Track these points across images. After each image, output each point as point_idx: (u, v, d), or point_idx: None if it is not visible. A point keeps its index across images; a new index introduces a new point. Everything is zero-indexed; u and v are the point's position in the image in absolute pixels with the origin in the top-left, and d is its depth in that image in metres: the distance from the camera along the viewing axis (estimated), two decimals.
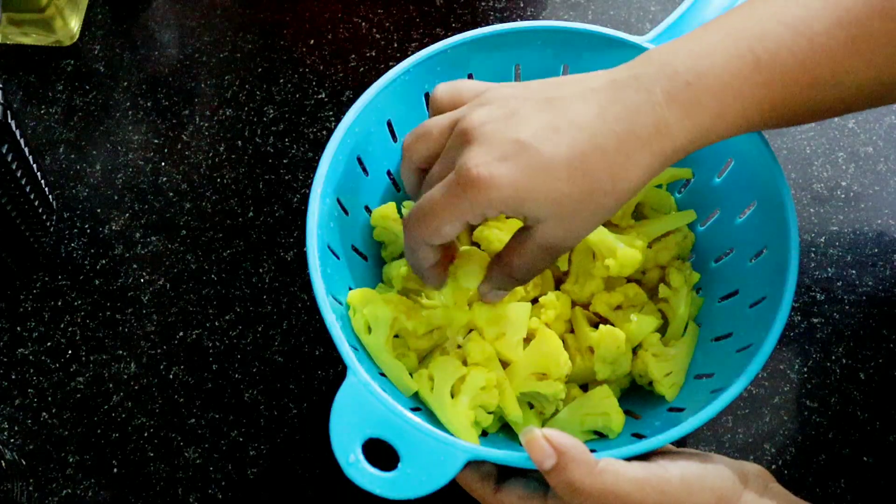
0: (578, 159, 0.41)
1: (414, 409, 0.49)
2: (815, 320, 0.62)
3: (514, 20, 0.74)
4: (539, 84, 0.45)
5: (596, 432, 0.52)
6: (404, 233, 0.47)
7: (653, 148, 0.42)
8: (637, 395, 0.54)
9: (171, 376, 0.61)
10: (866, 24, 0.42)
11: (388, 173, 0.59)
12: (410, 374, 0.52)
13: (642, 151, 0.42)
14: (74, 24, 0.73)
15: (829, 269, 0.63)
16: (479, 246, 0.56)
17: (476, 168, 0.42)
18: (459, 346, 0.53)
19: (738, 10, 0.45)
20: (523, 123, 0.42)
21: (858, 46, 0.43)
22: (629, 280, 0.56)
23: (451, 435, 0.45)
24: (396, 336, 0.53)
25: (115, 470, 0.58)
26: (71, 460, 0.58)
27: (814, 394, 0.59)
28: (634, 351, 0.54)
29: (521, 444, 0.51)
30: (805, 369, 0.60)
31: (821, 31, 0.43)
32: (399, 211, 0.57)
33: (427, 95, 0.57)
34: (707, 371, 0.51)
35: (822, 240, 0.65)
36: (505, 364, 0.52)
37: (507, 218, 0.54)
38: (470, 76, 0.58)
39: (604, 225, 0.54)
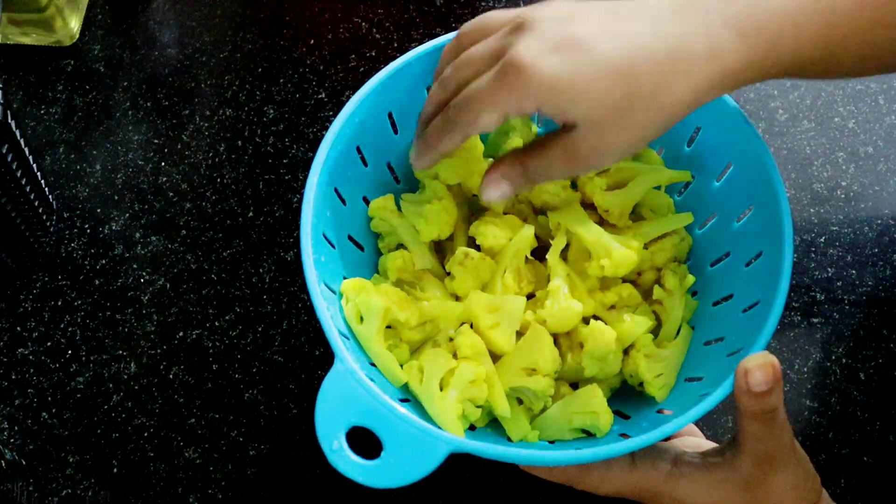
0: (626, 64, 0.41)
1: (403, 401, 0.49)
2: (815, 320, 0.62)
3: None
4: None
5: (584, 431, 0.52)
6: (441, 115, 0.46)
7: (702, 67, 0.42)
8: (628, 396, 0.55)
9: (171, 376, 0.61)
10: None
11: (388, 165, 0.59)
12: (401, 365, 0.52)
13: (691, 69, 0.42)
14: (74, 24, 0.73)
15: (829, 269, 0.63)
16: (476, 246, 0.56)
17: (523, 56, 0.42)
18: (451, 339, 0.53)
19: None
20: (580, 22, 0.43)
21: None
22: (624, 280, 0.56)
23: (438, 427, 0.45)
24: (389, 327, 0.53)
25: (115, 470, 0.58)
26: (71, 460, 0.58)
27: (814, 394, 0.59)
28: (627, 351, 0.54)
29: (507, 439, 0.52)
30: (805, 369, 0.60)
31: None
32: (397, 203, 0.57)
33: (429, 89, 0.58)
34: (697, 374, 0.52)
35: (822, 240, 0.65)
36: (495, 358, 0.53)
37: (544, 117, 0.52)
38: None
39: (601, 225, 0.54)
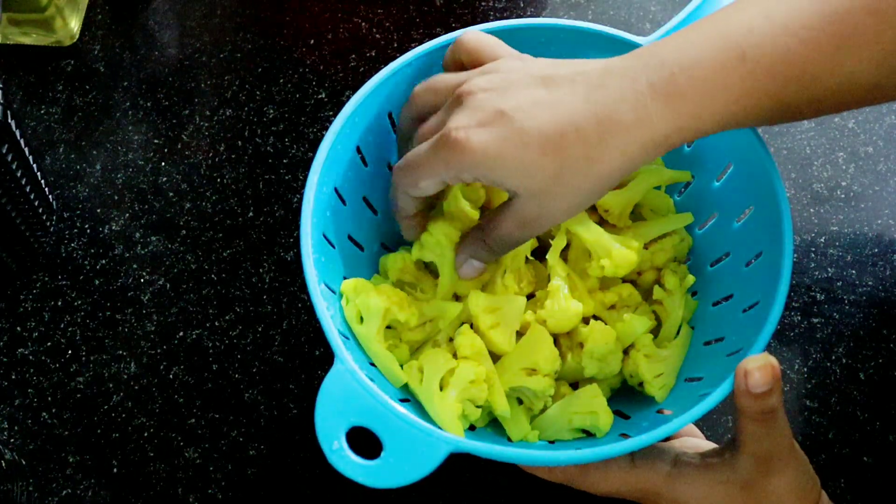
0: (555, 135, 0.43)
1: (403, 401, 0.49)
2: (815, 320, 0.62)
3: None
4: (545, 62, 0.47)
5: (584, 431, 0.52)
6: (392, 179, 0.50)
7: (632, 135, 0.43)
8: (628, 396, 0.55)
9: (171, 376, 0.61)
10: (853, 19, 0.42)
11: (388, 165, 0.59)
12: (401, 366, 0.52)
13: (620, 137, 0.43)
14: (74, 24, 0.73)
15: (829, 269, 0.63)
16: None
17: (456, 131, 0.44)
18: (451, 339, 0.53)
19: (728, 8, 0.45)
20: (511, 96, 0.44)
21: (846, 42, 0.43)
22: (624, 280, 0.56)
23: (438, 427, 0.45)
24: (389, 327, 0.53)
25: (115, 470, 0.58)
26: (71, 460, 0.58)
27: (814, 394, 0.59)
28: (627, 351, 0.54)
29: (507, 440, 0.52)
30: (805, 369, 0.60)
31: (808, 26, 0.43)
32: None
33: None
34: (697, 374, 0.52)
35: (822, 240, 0.65)
36: (495, 358, 0.53)
37: (483, 184, 0.54)
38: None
39: (601, 225, 0.54)
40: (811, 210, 0.66)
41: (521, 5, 0.75)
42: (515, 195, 0.45)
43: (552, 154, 0.43)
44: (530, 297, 0.55)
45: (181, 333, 0.62)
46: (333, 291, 0.52)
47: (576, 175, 0.43)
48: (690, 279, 0.55)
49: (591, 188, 0.44)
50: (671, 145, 0.44)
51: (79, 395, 0.60)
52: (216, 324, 0.62)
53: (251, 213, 0.66)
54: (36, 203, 0.62)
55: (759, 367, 0.43)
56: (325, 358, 0.61)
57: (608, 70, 0.44)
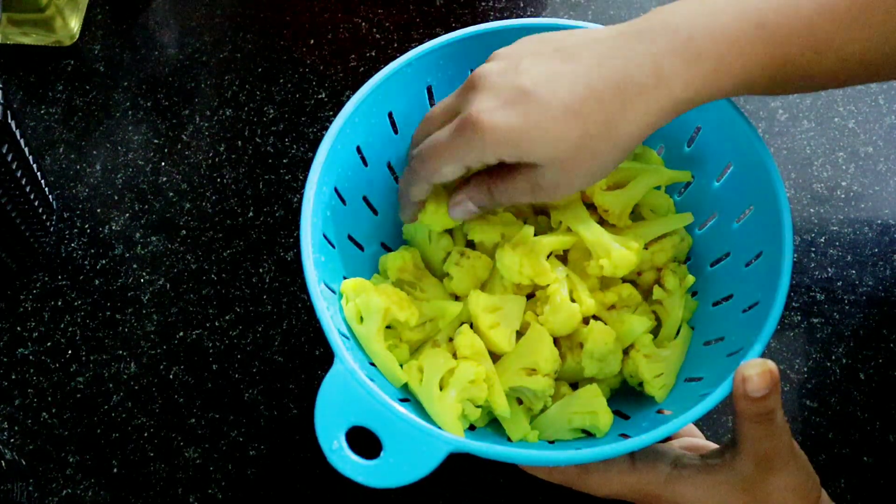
0: (576, 103, 0.43)
1: (403, 400, 0.49)
2: (815, 320, 0.62)
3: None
4: (548, 35, 0.47)
5: (584, 431, 0.52)
6: (407, 167, 0.49)
7: (650, 97, 0.43)
8: (628, 396, 0.55)
9: (171, 376, 0.61)
10: None
11: (388, 165, 0.59)
12: (401, 365, 0.52)
13: (639, 99, 0.43)
14: (74, 24, 0.73)
15: (829, 269, 0.63)
16: (473, 246, 0.56)
17: (478, 113, 0.44)
18: (451, 339, 0.53)
19: None
20: (526, 72, 0.44)
21: (863, 14, 0.43)
22: (624, 280, 0.56)
23: (438, 427, 0.45)
24: (389, 327, 0.53)
25: (115, 470, 0.58)
26: (71, 460, 0.58)
27: (814, 394, 0.59)
28: (627, 351, 0.54)
29: (507, 440, 0.52)
30: (805, 369, 0.60)
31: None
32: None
33: (430, 89, 0.58)
34: (697, 374, 0.51)
35: (822, 240, 0.65)
36: (495, 358, 0.53)
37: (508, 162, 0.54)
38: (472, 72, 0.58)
39: (601, 224, 0.54)
40: (811, 210, 0.66)
41: (521, 5, 0.75)
42: (537, 164, 0.45)
43: (574, 122, 0.43)
44: (530, 296, 0.55)
45: (181, 333, 0.62)
46: (333, 291, 0.52)
47: (598, 141, 0.44)
48: (690, 279, 0.55)
49: (612, 153, 0.44)
50: (688, 107, 0.44)
51: (79, 395, 0.60)
52: (216, 324, 0.62)
53: (251, 213, 0.66)
54: (36, 203, 0.62)
55: (759, 373, 0.43)
56: (325, 358, 0.61)
57: (622, 35, 0.44)
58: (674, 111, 0.44)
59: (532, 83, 0.44)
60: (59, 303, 0.63)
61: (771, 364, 0.44)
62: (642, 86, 0.43)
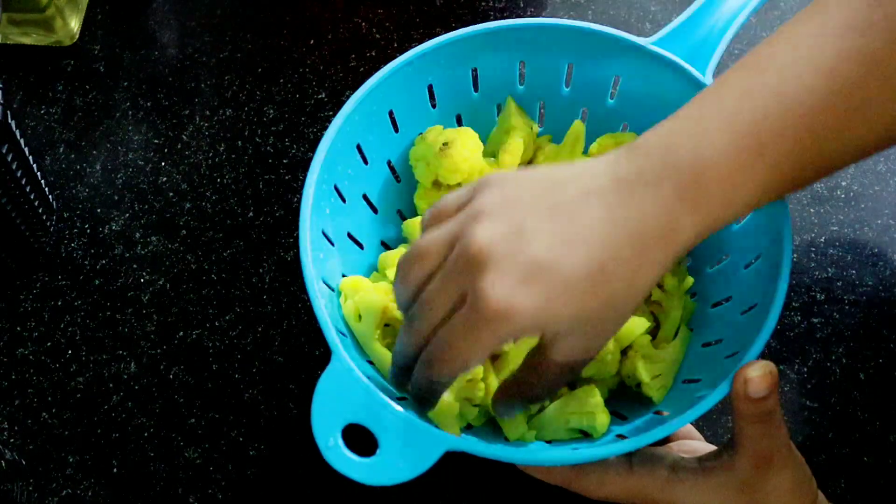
0: (597, 271, 0.40)
1: (400, 399, 0.49)
2: (815, 320, 0.62)
3: None
4: (534, 183, 0.42)
5: (581, 431, 0.52)
6: (423, 371, 0.43)
7: (666, 246, 0.41)
8: (625, 397, 0.54)
9: (171, 376, 0.61)
10: (863, 88, 0.41)
11: (389, 163, 0.59)
12: None
13: (655, 251, 0.41)
14: (74, 24, 0.73)
15: (829, 269, 0.63)
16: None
17: (496, 300, 0.39)
18: None
19: (731, 85, 0.43)
20: (534, 239, 0.40)
21: (859, 114, 0.42)
22: None
23: (433, 425, 0.45)
24: (388, 325, 0.53)
25: (115, 470, 0.58)
26: (71, 460, 0.58)
27: (814, 394, 0.59)
28: (625, 352, 0.54)
29: (504, 440, 0.52)
30: (805, 369, 0.60)
31: (818, 103, 0.41)
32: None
33: (430, 88, 0.58)
34: (695, 376, 0.51)
35: (822, 240, 0.65)
36: (493, 357, 0.53)
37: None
38: (474, 71, 0.58)
39: None
40: (811, 210, 0.66)
41: (521, 5, 0.75)
42: (557, 339, 0.42)
43: (599, 287, 0.40)
44: None
45: (181, 333, 0.62)
46: (332, 289, 0.52)
47: (620, 299, 0.41)
48: (689, 280, 0.55)
49: (634, 302, 0.42)
50: (699, 241, 0.42)
51: (79, 395, 0.60)
52: (216, 324, 0.62)
53: (251, 213, 0.66)
54: (36, 203, 0.62)
55: (760, 375, 0.43)
56: (325, 358, 0.61)
57: (622, 181, 0.41)
58: (683, 252, 0.42)
59: (546, 253, 0.39)
60: (59, 303, 0.63)
61: (771, 366, 0.43)
62: (656, 236, 0.40)
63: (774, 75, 0.42)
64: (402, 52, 0.56)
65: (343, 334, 0.49)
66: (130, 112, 0.71)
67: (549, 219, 0.40)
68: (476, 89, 0.60)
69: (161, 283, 0.64)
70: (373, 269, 0.58)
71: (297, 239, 0.65)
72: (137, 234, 0.65)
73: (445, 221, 0.43)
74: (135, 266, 0.64)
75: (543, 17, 0.67)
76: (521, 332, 0.40)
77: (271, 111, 0.70)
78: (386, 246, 0.59)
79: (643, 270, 0.41)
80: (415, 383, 0.44)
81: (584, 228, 0.40)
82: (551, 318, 0.40)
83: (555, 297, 0.39)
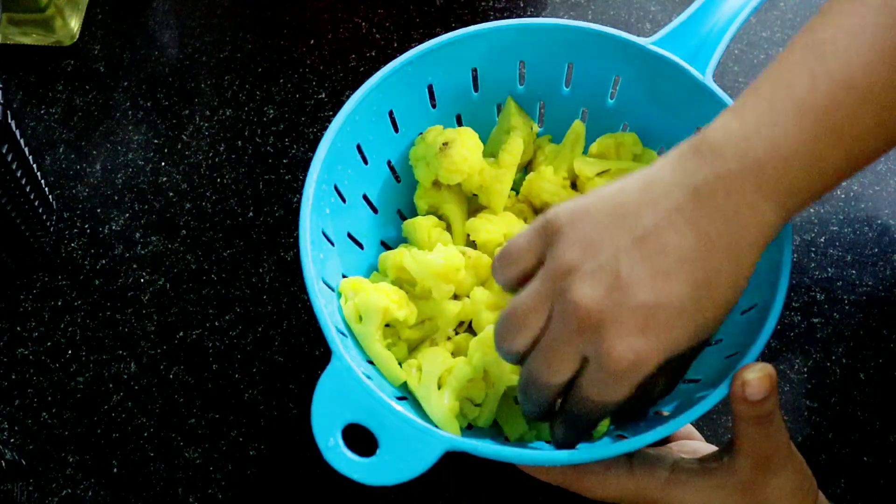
0: (704, 290, 0.40)
1: (400, 398, 0.49)
2: (815, 320, 0.62)
3: None
4: (606, 217, 0.41)
5: None
6: (558, 429, 0.45)
7: (758, 245, 0.41)
8: None
9: (171, 376, 0.61)
10: None
11: (389, 163, 0.59)
12: (400, 364, 0.52)
13: (749, 253, 0.41)
14: (74, 24, 0.73)
15: (829, 269, 0.63)
16: (475, 246, 0.56)
17: (624, 357, 0.39)
18: (450, 338, 0.53)
19: (795, 72, 0.41)
20: (635, 284, 0.39)
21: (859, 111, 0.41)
22: None
23: (433, 425, 0.45)
24: (388, 325, 0.53)
25: (115, 470, 0.58)
26: (71, 460, 0.58)
27: (814, 394, 0.59)
28: None
29: (504, 440, 0.52)
30: (805, 369, 0.60)
31: (873, 78, 0.41)
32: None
33: (430, 88, 0.58)
34: (695, 376, 0.51)
35: (822, 240, 0.65)
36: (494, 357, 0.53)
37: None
38: (474, 71, 0.58)
39: None
40: (811, 210, 0.66)
41: (521, 5, 0.75)
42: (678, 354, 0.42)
43: (709, 303, 0.40)
44: None
45: (181, 333, 0.62)
46: (332, 289, 0.52)
47: (731, 302, 0.41)
48: None
49: (739, 297, 0.42)
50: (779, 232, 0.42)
51: (79, 395, 0.60)
52: (216, 324, 0.62)
53: (251, 213, 0.66)
54: (36, 203, 0.62)
55: (758, 377, 0.43)
56: (325, 358, 0.61)
57: (701, 193, 0.40)
58: (768, 243, 0.42)
59: (652, 295, 0.39)
60: (59, 303, 0.63)
61: (770, 368, 0.43)
62: (750, 240, 0.40)
63: (834, 59, 0.41)
64: (402, 52, 0.56)
65: (343, 334, 0.49)
66: (130, 112, 0.71)
67: (641, 256, 0.40)
68: (476, 89, 0.60)
69: (161, 283, 0.64)
70: (373, 269, 0.58)
71: (297, 239, 0.65)
72: (137, 234, 0.65)
73: (523, 270, 0.43)
74: (135, 266, 0.64)
75: (543, 17, 0.67)
76: (653, 370, 0.40)
77: (271, 111, 0.70)
78: (386, 246, 0.59)
79: (740, 274, 0.41)
80: (558, 438, 0.45)
81: (678, 257, 0.39)
82: (675, 347, 0.40)
83: (673, 330, 0.40)
